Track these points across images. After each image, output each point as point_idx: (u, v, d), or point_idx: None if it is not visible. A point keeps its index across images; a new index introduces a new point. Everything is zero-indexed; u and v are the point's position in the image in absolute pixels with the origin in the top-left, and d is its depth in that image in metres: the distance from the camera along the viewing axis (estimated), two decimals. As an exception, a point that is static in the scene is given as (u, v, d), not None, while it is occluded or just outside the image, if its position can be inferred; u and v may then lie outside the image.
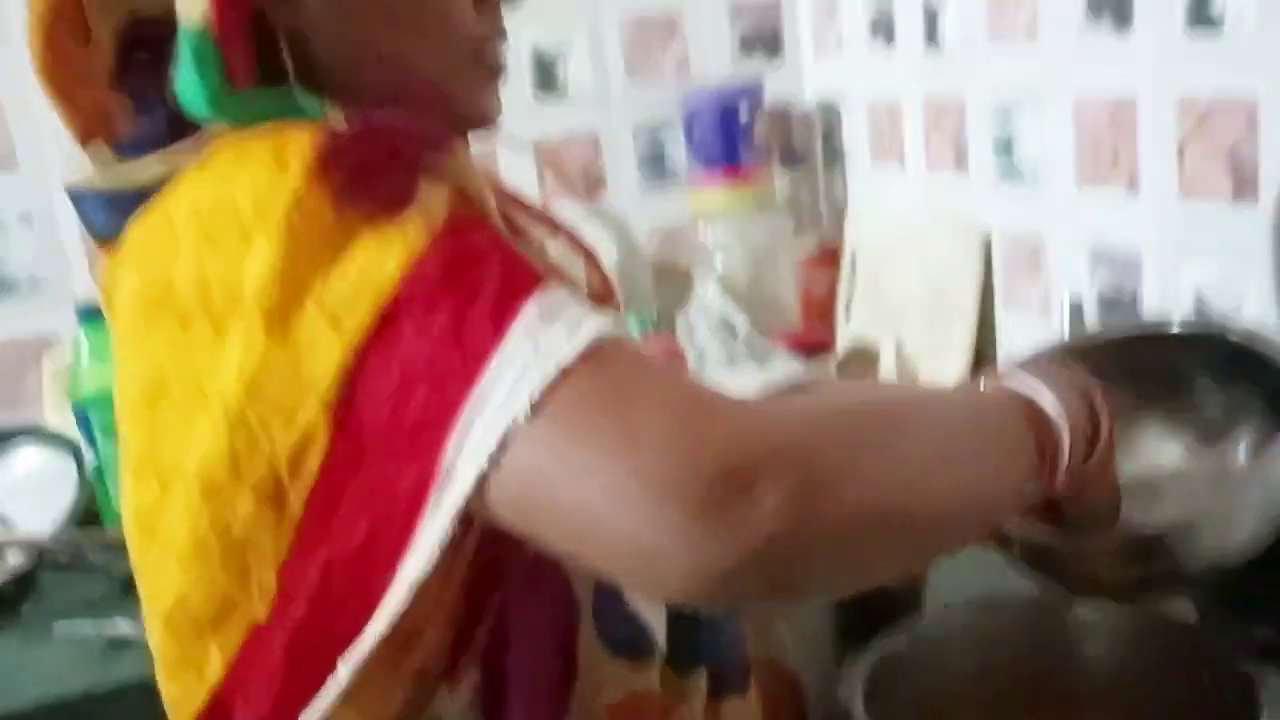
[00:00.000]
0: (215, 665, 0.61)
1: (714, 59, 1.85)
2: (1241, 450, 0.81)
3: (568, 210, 1.80)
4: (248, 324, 0.55)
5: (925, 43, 1.55)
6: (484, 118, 0.70)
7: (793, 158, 1.84)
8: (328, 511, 0.55)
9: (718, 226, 1.77)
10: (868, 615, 0.81)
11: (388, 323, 0.53)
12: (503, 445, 0.50)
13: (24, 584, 1.35)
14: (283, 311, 0.54)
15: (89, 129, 0.68)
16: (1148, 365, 0.89)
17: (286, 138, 0.58)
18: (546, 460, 0.50)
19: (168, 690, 0.65)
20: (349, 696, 0.60)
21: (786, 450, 0.50)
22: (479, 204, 0.58)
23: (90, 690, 1.14)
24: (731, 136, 1.74)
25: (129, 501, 0.65)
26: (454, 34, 0.67)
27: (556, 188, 1.81)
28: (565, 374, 0.50)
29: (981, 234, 1.49)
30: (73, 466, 1.47)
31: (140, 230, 0.62)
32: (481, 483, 0.51)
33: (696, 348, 1.50)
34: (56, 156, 1.62)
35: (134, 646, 1.19)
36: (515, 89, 1.76)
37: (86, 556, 1.37)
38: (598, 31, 1.80)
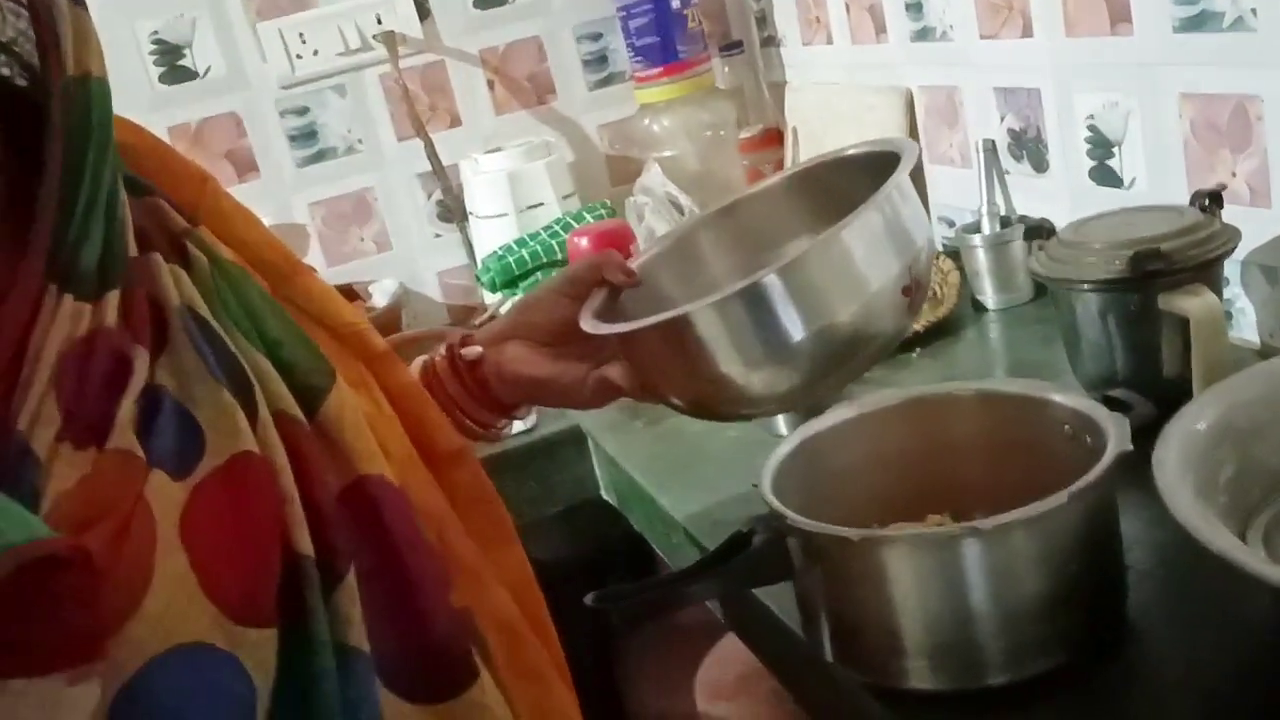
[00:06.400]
0: None
1: (647, -42, 1.90)
2: None
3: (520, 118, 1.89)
4: None
5: (837, -81, 1.63)
6: None
7: (730, 46, 1.91)
8: None
9: (662, 117, 1.85)
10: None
11: None
12: None
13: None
14: None
15: None
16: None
17: None
18: None
19: None
20: None
21: None
22: None
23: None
24: (668, 30, 1.82)
25: None
26: None
27: (508, 96, 1.89)
28: None
29: (904, 93, 1.58)
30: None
31: None
32: None
33: (645, 228, 1.59)
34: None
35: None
36: (458, 6, 1.84)
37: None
38: (532, -58, 1.85)
